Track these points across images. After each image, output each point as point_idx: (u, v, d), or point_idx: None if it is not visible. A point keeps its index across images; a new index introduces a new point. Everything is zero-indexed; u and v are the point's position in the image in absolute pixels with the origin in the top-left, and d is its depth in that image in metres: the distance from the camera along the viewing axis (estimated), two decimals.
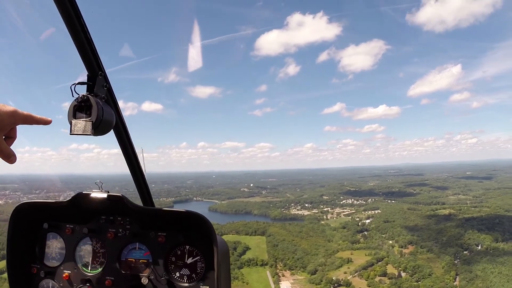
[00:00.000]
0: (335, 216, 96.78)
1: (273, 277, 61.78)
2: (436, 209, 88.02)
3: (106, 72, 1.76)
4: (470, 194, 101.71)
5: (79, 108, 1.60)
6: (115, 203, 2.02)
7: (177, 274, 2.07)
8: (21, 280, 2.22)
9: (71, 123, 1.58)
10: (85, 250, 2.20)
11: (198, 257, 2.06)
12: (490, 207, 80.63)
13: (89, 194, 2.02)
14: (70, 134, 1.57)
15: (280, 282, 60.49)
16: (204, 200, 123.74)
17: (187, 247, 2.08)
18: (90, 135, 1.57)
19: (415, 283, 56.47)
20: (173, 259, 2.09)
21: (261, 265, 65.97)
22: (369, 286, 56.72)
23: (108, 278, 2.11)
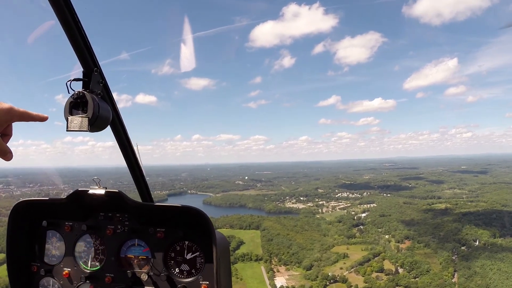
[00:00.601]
0: (330, 209, 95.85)
1: (268, 273, 60.48)
2: (432, 203, 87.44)
3: (101, 67, 1.75)
4: (465, 188, 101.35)
5: (75, 105, 1.61)
6: (113, 199, 2.03)
7: (177, 270, 2.07)
8: (21, 279, 2.22)
9: (67, 120, 1.59)
10: (85, 247, 2.20)
11: (198, 253, 2.06)
12: (486, 202, 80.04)
13: (87, 190, 2.01)
14: (67, 130, 1.59)
15: (274, 278, 59.18)
16: (199, 193, 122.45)
17: (186, 242, 2.07)
18: (87, 131, 1.60)
19: (413, 279, 55.52)
20: (173, 255, 2.09)
21: (256, 260, 64.70)
22: (366, 283, 55.62)
23: (108, 275, 2.12)
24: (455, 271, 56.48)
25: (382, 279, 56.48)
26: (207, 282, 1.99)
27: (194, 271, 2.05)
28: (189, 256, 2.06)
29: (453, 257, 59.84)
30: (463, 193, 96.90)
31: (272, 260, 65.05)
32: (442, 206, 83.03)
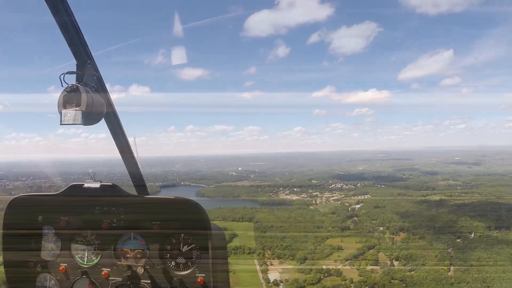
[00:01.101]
0: (324, 200, 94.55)
1: (261, 266, 59.26)
2: (427, 195, 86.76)
3: (94, 60, 1.76)
4: (460, 180, 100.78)
5: (69, 98, 1.63)
6: (109, 192, 2.05)
7: (173, 262, 2.10)
8: (18, 275, 2.22)
9: (61, 113, 1.61)
10: (81, 241, 2.20)
11: (193, 245, 2.09)
12: (481, 194, 79.71)
13: (82, 184, 2.03)
14: (61, 124, 1.61)
15: (268, 272, 58.01)
16: (192, 184, 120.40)
17: (182, 235, 2.10)
18: (81, 124, 1.62)
19: (408, 273, 54.78)
20: (168, 247, 2.12)
21: (249, 253, 63.37)
22: (361, 276, 54.73)
23: (104, 269, 2.14)
24: (450, 264, 55.85)
25: (377, 272, 55.63)
26: (203, 275, 2.00)
27: (190, 264, 2.06)
28: (185, 249, 2.07)
29: (449, 250, 59.20)
30: (458, 185, 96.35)
31: (265, 253, 63.81)
32: (437, 197, 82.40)
